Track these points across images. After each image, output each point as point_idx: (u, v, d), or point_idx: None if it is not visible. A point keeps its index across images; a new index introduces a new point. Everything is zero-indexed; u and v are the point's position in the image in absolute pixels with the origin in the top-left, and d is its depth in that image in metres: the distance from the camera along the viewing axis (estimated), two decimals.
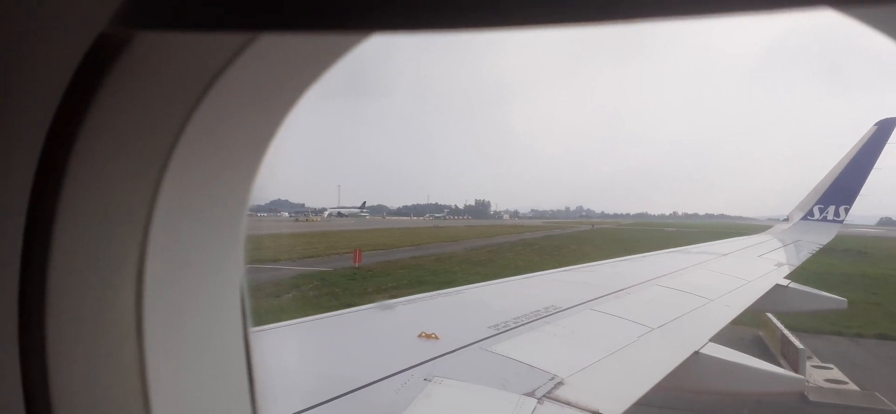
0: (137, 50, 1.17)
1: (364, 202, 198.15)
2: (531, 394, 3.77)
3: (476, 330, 4.96)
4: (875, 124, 19.59)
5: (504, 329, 5.10)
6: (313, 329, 5.02)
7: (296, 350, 4.42)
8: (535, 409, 3.57)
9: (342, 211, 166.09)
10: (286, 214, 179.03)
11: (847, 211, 19.70)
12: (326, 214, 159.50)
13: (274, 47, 1.21)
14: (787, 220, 21.19)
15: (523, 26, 0.92)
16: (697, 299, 7.77)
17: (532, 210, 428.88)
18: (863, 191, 19.35)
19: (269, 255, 44.21)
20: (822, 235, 18.34)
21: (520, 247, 64.96)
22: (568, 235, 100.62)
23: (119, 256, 1.27)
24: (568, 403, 3.74)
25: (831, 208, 19.80)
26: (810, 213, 20.16)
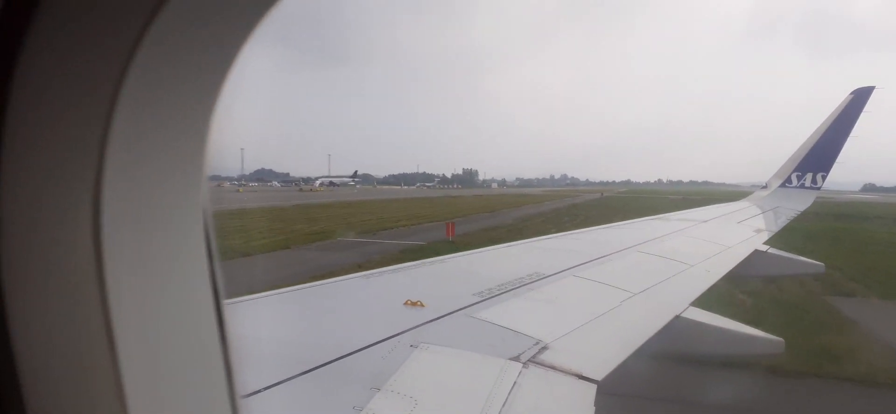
0: None
1: (355, 171, 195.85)
2: (516, 358, 3.80)
3: (461, 297, 4.98)
4: (851, 93, 19.80)
5: (489, 296, 5.12)
6: (298, 298, 5.00)
7: (282, 319, 4.40)
8: (520, 373, 3.60)
9: (333, 180, 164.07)
10: (277, 183, 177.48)
11: (824, 178, 20.00)
12: (318, 182, 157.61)
13: None
14: (765, 187, 21.47)
15: None
16: (678, 265, 7.86)
17: (517, 179, 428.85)
18: (839, 158, 19.66)
19: (337, 227, 43.97)
20: (799, 202, 18.63)
21: (568, 213, 64.91)
22: (589, 202, 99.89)
23: (70, 215, 1.15)
24: (552, 367, 3.78)
25: (809, 175, 20.07)
26: (788, 180, 20.43)
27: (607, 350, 4.35)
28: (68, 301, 1.19)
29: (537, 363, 3.79)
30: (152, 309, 1.29)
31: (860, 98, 19.55)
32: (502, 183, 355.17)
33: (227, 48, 1.29)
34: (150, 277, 1.28)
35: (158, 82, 1.19)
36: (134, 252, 1.24)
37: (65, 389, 1.22)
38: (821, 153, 20.05)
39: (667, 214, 15.03)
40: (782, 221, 15.24)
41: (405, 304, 4.63)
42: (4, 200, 1.17)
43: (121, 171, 1.17)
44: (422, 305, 4.59)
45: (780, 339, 6.08)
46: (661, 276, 7.08)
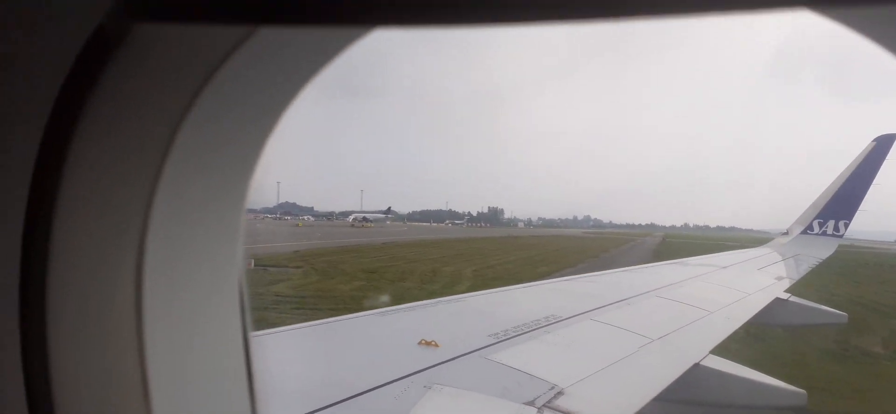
0: (135, 43, 1.15)
1: (389, 207, 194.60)
2: (531, 403, 3.74)
3: (476, 338, 4.93)
4: (874, 140, 19.66)
5: (504, 338, 5.07)
6: (314, 335, 4.99)
7: (297, 356, 4.39)
8: None
9: (367, 216, 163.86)
10: (310, 217, 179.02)
11: (846, 226, 19.73)
12: (352, 218, 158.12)
13: (273, 41, 1.19)
14: (786, 233, 21.22)
15: (522, 22, 0.93)
16: (698, 311, 7.74)
17: (540, 218, 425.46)
18: (862, 206, 19.42)
19: (494, 270, 43.34)
20: (821, 250, 18.35)
21: (670, 254, 62.88)
22: (666, 244, 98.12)
23: (118, 253, 1.24)
24: (568, 413, 3.72)
25: (831, 223, 19.81)
26: (810, 227, 20.17)
27: (624, 397, 4.27)
28: (103, 303, 1.26)
29: (552, 409, 3.73)
30: (182, 333, 1.35)
31: (883, 145, 19.37)
32: (528, 223, 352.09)
33: (267, 118, 1.38)
34: (185, 312, 1.36)
35: (211, 131, 1.29)
36: (169, 272, 1.31)
37: (94, 401, 1.28)
38: (843, 201, 19.82)
39: (686, 259, 14.88)
40: (804, 269, 15.00)
41: (420, 343, 4.60)
42: (58, 223, 1.24)
43: (167, 210, 1.26)
44: (436, 345, 4.56)
45: (803, 390, 5.93)
46: (681, 322, 6.97)
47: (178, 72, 1.19)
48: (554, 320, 5.97)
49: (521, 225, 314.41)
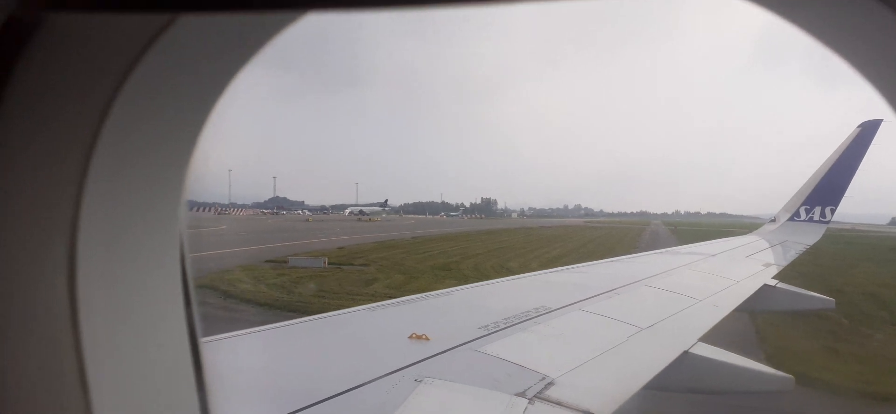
0: (49, 33, 1.10)
1: (386, 200, 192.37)
2: (522, 394, 3.76)
3: (466, 331, 4.95)
4: (858, 126, 19.78)
5: (494, 330, 5.09)
6: (304, 331, 4.99)
7: (287, 352, 4.39)
8: (525, 409, 3.56)
9: (364, 210, 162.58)
10: (307, 212, 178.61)
11: (833, 211, 19.86)
12: (347, 211, 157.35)
13: (195, 29, 1.15)
14: (774, 220, 21.36)
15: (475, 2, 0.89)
16: (686, 300, 7.80)
17: (530, 208, 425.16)
18: (848, 192, 19.56)
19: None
20: (808, 236, 18.51)
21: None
22: (681, 231, 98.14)
23: (46, 254, 1.17)
24: (559, 403, 3.74)
25: (817, 209, 19.94)
26: (797, 213, 20.30)
27: (615, 386, 4.30)
28: (39, 324, 1.19)
29: (543, 399, 3.75)
30: (124, 340, 1.29)
31: (867, 131, 19.48)
32: (521, 213, 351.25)
33: (198, 109, 1.32)
34: (124, 311, 1.29)
35: (139, 123, 1.22)
36: (104, 274, 1.24)
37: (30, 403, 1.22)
38: (829, 187, 19.95)
39: (676, 248, 14.96)
40: (791, 255, 15.14)
41: (410, 337, 4.61)
42: None
43: (98, 205, 1.19)
44: (427, 339, 4.57)
45: (790, 375, 6.00)
46: (670, 310, 7.01)
47: (98, 64, 1.13)
48: (544, 311, 6.00)
49: (514, 215, 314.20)
